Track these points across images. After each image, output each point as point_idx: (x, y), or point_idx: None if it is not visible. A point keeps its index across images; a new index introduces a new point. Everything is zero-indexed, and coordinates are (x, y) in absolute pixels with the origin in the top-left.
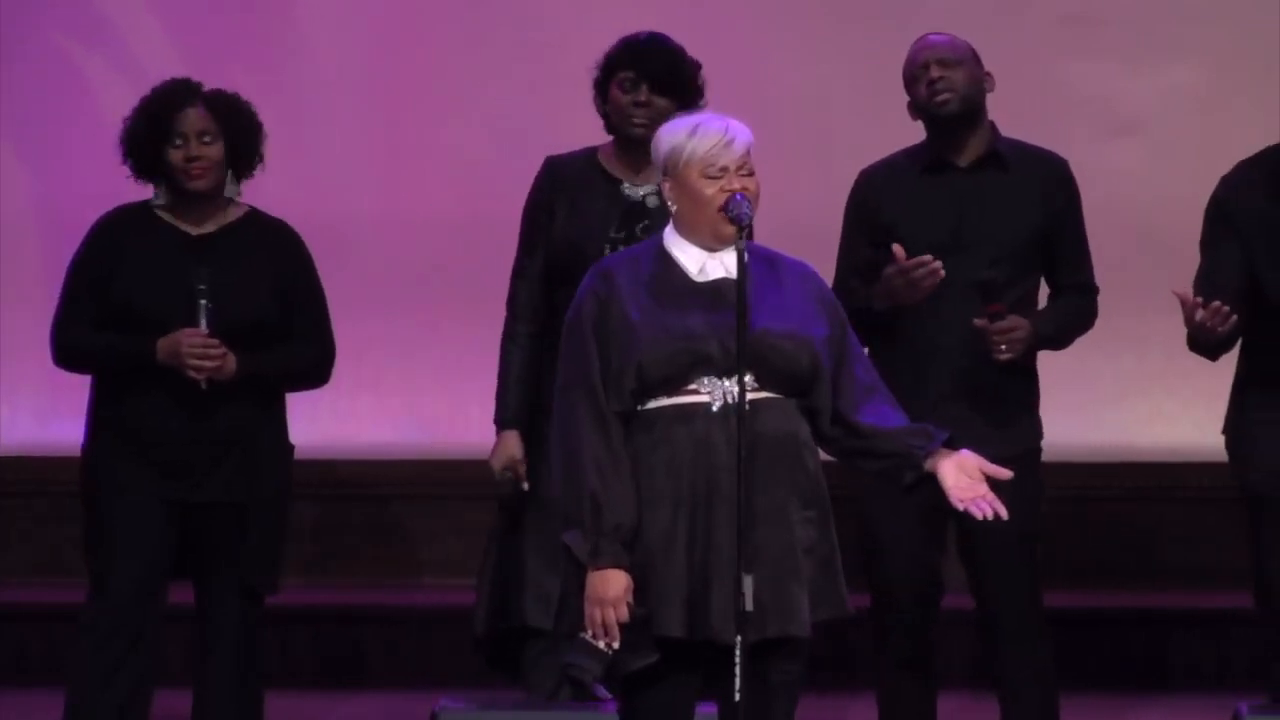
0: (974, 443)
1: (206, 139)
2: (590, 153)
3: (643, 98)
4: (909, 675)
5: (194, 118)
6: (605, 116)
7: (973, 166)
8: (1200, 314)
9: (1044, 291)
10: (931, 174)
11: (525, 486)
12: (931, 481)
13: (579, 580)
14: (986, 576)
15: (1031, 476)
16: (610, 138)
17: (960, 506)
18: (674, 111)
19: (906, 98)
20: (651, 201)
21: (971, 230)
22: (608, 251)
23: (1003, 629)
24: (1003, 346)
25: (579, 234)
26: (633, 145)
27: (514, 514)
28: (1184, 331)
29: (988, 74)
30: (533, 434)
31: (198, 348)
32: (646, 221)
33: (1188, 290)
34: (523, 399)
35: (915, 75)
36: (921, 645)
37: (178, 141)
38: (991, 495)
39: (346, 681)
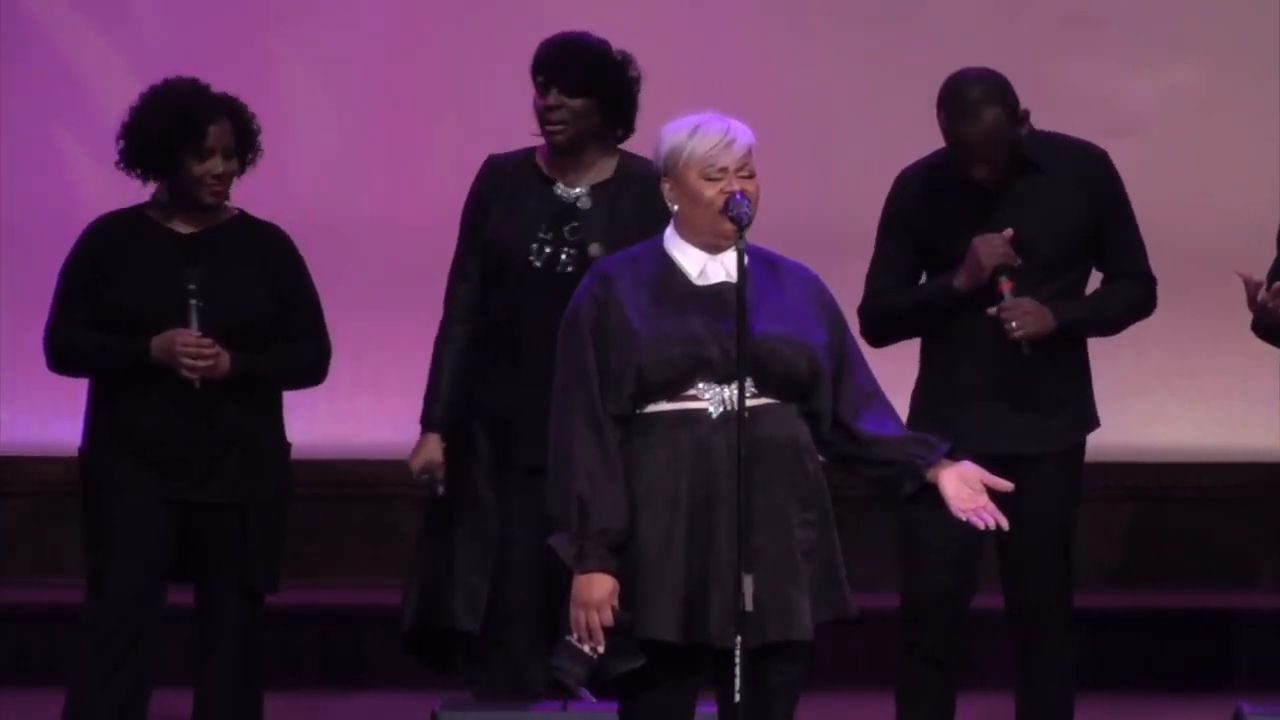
0: (1012, 440)
1: (230, 157)
2: (529, 153)
3: (554, 101)
4: (931, 672)
5: (222, 133)
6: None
7: (1009, 174)
8: (1262, 295)
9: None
10: (971, 181)
11: (441, 490)
12: (932, 491)
13: (567, 583)
14: (1020, 572)
15: (1071, 474)
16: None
17: (962, 517)
18: (594, 111)
19: (932, 107)
20: (583, 204)
21: (1016, 236)
22: (534, 250)
23: (1031, 625)
24: (1013, 324)
25: (508, 233)
26: (558, 149)
27: (441, 517)
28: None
29: (1023, 112)
30: (462, 436)
31: (191, 347)
32: (576, 223)
33: (1250, 272)
34: (452, 401)
35: (955, 149)
36: (947, 643)
37: (203, 156)
38: (992, 506)
39: (347, 681)
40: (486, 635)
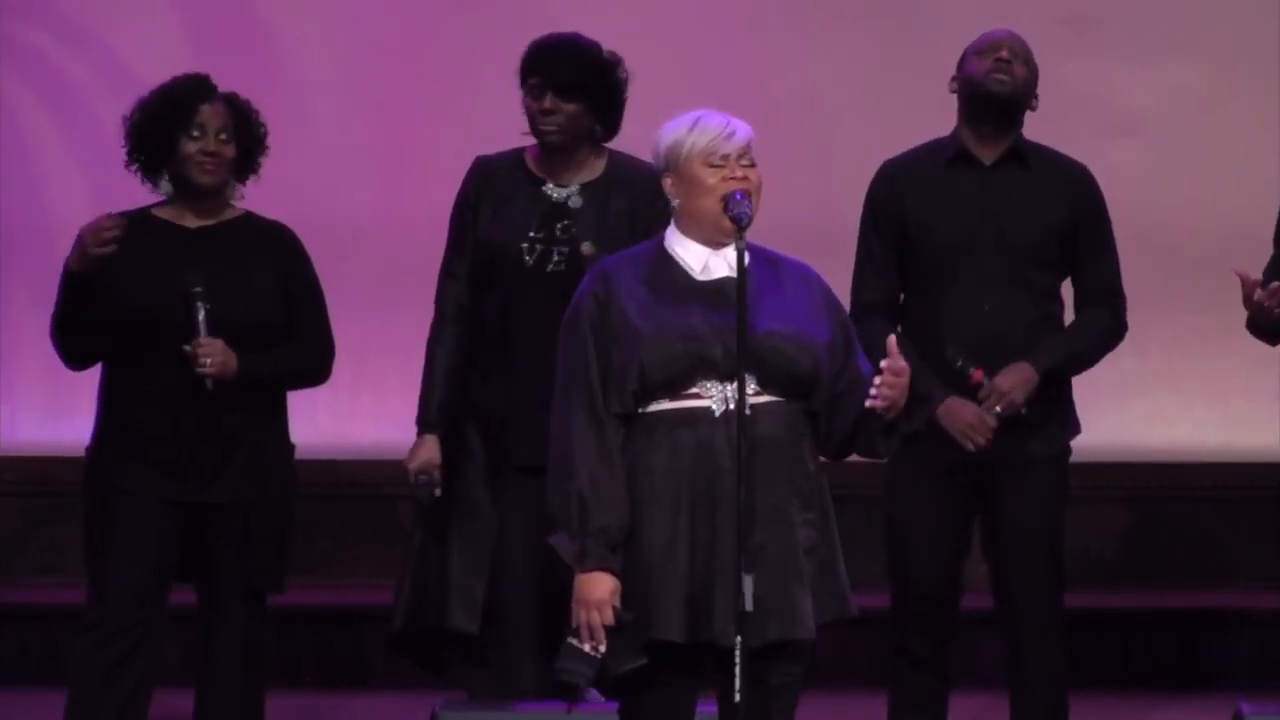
0: (998, 446)
1: (223, 137)
2: (518, 153)
3: (548, 105)
4: (922, 675)
5: (215, 113)
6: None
7: (996, 164)
8: (1259, 294)
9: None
10: (955, 170)
11: (438, 492)
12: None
13: (568, 583)
14: (1010, 575)
15: (1057, 478)
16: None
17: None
18: (585, 116)
19: (954, 72)
20: (574, 202)
21: (995, 227)
22: (525, 250)
23: (1022, 627)
24: (999, 408)
25: (499, 233)
26: (551, 150)
27: (436, 517)
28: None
29: (1036, 95)
30: (457, 437)
31: (202, 349)
32: (567, 221)
33: (1247, 270)
34: (446, 402)
35: (983, 51)
36: (938, 646)
37: (195, 133)
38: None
39: (347, 682)
40: (483, 636)
